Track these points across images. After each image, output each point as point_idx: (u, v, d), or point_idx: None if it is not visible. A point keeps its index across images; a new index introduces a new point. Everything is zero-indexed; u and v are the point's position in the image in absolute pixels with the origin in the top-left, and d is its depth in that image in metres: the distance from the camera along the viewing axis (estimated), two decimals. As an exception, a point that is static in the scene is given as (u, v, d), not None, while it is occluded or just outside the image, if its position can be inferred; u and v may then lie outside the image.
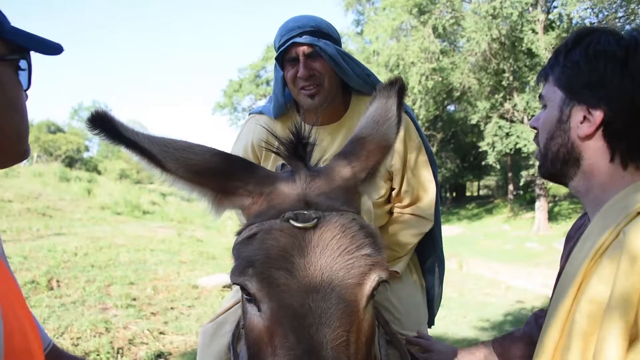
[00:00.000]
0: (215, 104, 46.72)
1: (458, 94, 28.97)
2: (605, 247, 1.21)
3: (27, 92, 1.20)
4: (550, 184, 27.09)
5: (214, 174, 1.33)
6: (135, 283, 8.47)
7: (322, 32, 2.28)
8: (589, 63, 1.39)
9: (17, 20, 1.15)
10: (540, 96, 1.56)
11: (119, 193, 21.93)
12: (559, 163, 1.47)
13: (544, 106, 1.53)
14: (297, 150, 1.36)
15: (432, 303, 2.64)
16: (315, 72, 2.25)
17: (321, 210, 1.25)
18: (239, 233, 1.34)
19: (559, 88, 1.46)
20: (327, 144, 2.36)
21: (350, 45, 40.32)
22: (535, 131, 1.58)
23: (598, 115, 1.36)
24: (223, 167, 1.34)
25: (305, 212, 1.23)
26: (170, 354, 5.92)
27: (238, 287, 2.44)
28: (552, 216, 28.08)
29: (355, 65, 2.32)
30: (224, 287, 9.03)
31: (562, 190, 34.89)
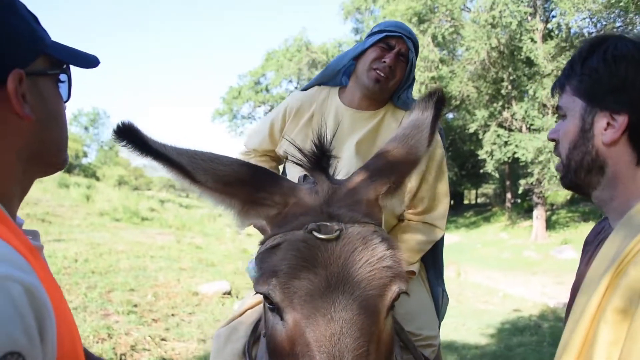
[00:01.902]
0: (215, 111, 46.75)
1: (457, 102, 29.02)
2: (633, 255, 1.20)
3: (67, 103, 1.23)
4: (548, 192, 27.16)
5: (242, 185, 1.35)
6: (135, 289, 8.47)
7: (416, 49, 2.58)
8: (609, 68, 1.40)
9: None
10: (558, 107, 1.56)
11: (118, 199, 21.91)
12: (583, 172, 1.47)
13: (563, 116, 1.53)
14: (320, 163, 1.39)
15: (438, 309, 2.68)
16: (394, 68, 2.48)
17: (343, 222, 1.28)
18: (262, 243, 1.37)
19: (578, 97, 1.47)
20: (356, 126, 2.58)
21: (349, 53, 40.44)
22: (554, 143, 1.58)
23: (622, 120, 1.36)
24: (251, 178, 1.37)
25: (328, 223, 1.26)
26: (171, 360, 5.94)
27: (251, 292, 2.50)
28: (550, 224, 28.10)
29: (411, 88, 2.65)
30: (224, 294, 9.05)
31: (559, 198, 34.95)
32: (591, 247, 1.59)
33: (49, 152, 1.16)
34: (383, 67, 2.45)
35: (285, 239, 1.27)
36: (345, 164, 2.35)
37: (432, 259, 2.70)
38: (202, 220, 23.27)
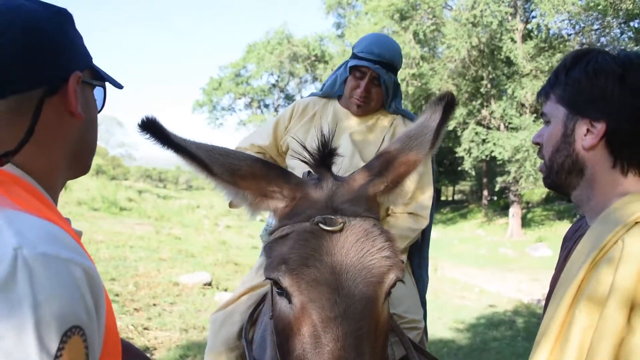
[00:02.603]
0: (194, 102, 46.49)
1: (436, 99, 29.24)
2: (605, 252, 1.34)
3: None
4: (524, 191, 27.56)
5: (255, 179, 1.47)
6: (116, 279, 8.50)
7: (393, 66, 2.80)
8: (590, 80, 1.51)
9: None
10: (543, 114, 1.67)
11: (96, 189, 21.73)
12: (564, 174, 1.58)
13: (547, 122, 1.64)
14: (324, 160, 1.52)
15: (423, 298, 2.87)
16: (369, 95, 2.79)
17: (346, 215, 1.41)
18: (271, 233, 1.49)
19: (561, 105, 1.58)
20: (350, 126, 2.89)
21: (331, 47, 40.47)
22: (538, 146, 1.69)
23: (601, 127, 1.48)
24: (263, 173, 1.49)
25: (333, 217, 1.39)
26: (155, 349, 6.00)
27: (246, 279, 2.62)
28: (526, 222, 28.54)
29: (398, 94, 2.93)
30: (205, 285, 9.11)
31: (535, 197, 35.46)
32: (569, 243, 1.71)
33: (85, 153, 1.27)
34: (358, 96, 2.79)
35: (293, 229, 1.40)
36: (343, 159, 2.50)
37: (418, 249, 2.89)
38: (181, 211, 23.24)
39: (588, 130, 1.51)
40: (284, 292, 1.38)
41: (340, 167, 1.71)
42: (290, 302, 1.37)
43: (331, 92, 3.02)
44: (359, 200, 1.48)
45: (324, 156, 1.52)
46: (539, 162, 1.72)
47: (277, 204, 1.52)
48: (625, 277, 1.25)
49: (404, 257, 2.74)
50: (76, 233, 1.09)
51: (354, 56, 2.81)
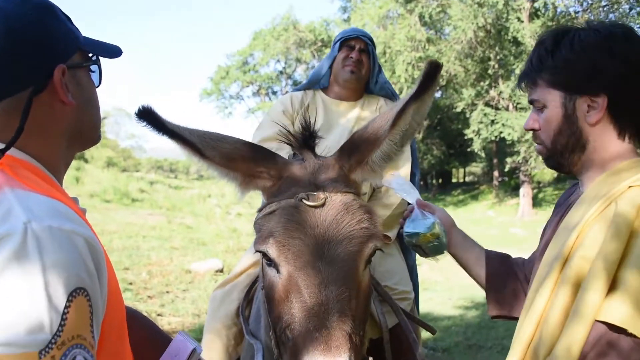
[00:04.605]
0: (202, 90, 46.66)
1: (444, 82, 29.16)
2: (598, 213, 1.42)
3: (99, 88, 1.44)
4: (535, 171, 27.45)
5: (245, 160, 1.59)
6: (130, 268, 8.69)
7: (373, 43, 3.24)
8: (580, 57, 1.56)
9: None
10: (532, 100, 1.69)
11: (107, 181, 22.02)
12: (568, 152, 1.63)
13: (541, 108, 1.66)
14: (307, 143, 1.68)
15: (413, 274, 3.09)
16: (360, 60, 3.12)
17: (328, 191, 1.53)
18: (260, 210, 1.62)
19: (554, 88, 1.61)
20: (341, 113, 3.20)
21: (337, 32, 40.27)
22: (533, 131, 1.72)
23: (602, 100, 1.54)
24: (251, 155, 1.61)
25: (315, 193, 1.51)
26: (168, 334, 6.14)
27: (243, 259, 2.75)
28: (537, 202, 28.47)
29: (381, 73, 3.29)
30: (217, 271, 9.27)
31: (546, 176, 35.33)
32: (562, 208, 1.78)
33: (87, 130, 1.37)
34: (352, 62, 3.11)
35: (279, 206, 1.52)
36: (336, 145, 2.62)
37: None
38: (192, 200, 23.45)
39: (589, 106, 1.57)
40: (272, 263, 1.49)
41: (328, 149, 1.83)
42: (278, 271, 1.49)
43: (316, 81, 3.30)
44: (338, 177, 1.59)
45: (306, 138, 1.67)
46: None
47: (265, 183, 1.63)
48: (613, 240, 1.32)
49: (394, 232, 2.91)
50: (80, 210, 1.21)
51: (337, 43, 3.19)
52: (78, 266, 0.98)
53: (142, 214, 16.91)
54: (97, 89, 1.44)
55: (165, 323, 6.44)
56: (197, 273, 9.06)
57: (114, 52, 1.45)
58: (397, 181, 2.19)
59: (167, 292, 7.85)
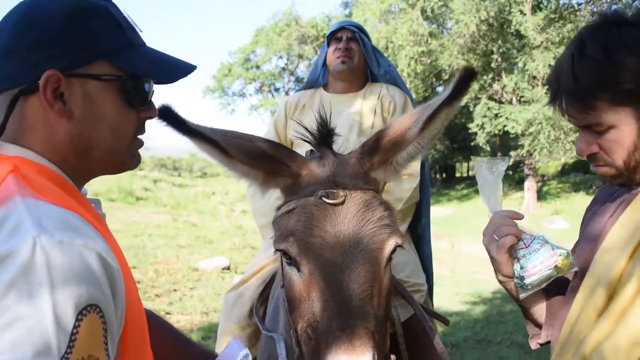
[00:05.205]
0: (205, 87, 46.67)
1: (447, 75, 29.09)
2: None
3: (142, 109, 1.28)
4: (539, 164, 27.39)
5: (266, 158, 1.58)
6: (137, 267, 8.70)
7: (363, 30, 3.23)
8: (631, 62, 1.37)
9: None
10: (591, 125, 1.48)
11: (112, 180, 21.93)
12: None
13: (606, 130, 1.45)
14: (325, 140, 1.64)
15: (426, 264, 3.03)
16: (350, 47, 3.11)
17: (347, 189, 1.51)
18: (278, 208, 1.60)
19: (620, 106, 1.41)
20: (342, 106, 3.13)
21: (338, 28, 40.13)
22: (592, 155, 1.53)
23: None
24: (273, 153, 1.59)
25: (335, 191, 1.49)
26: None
27: (255, 260, 2.74)
28: (541, 195, 28.39)
29: (380, 56, 3.25)
30: (223, 269, 9.27)
31: (550, 170, 35.26)
32: (608, 203, 1.62)
33: (99, 151, 1.21)
34: (341, 52, 3.10)
35: (298, 204, 1.50)
36: (340, 139, 2.64)
37: (414, 225, 3.07)
38: (197, 198, 23.46)
39: None
40: (292, 262, 1.48)
41: (340, 145, 1.81)
42: (299, 270, 1.47)
43: (314, 79, 3.32)
44: (358, 175, 1.57)
45: (324, 136, 1.63)
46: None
47: (284, 181, 1.61)
48: None
49: (405, 226, 2.91)
50: (100, 215, 1.17)
51: (330, 34, 3.22)
52: (89, 282, 0.93)
53: (147, 212, 16.93)
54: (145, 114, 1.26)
55: (174, 321, 6.42)
56: (204, 271, 9.06)
57: (169, 73, 1.28)
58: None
59: (175, 290, 7.85)
